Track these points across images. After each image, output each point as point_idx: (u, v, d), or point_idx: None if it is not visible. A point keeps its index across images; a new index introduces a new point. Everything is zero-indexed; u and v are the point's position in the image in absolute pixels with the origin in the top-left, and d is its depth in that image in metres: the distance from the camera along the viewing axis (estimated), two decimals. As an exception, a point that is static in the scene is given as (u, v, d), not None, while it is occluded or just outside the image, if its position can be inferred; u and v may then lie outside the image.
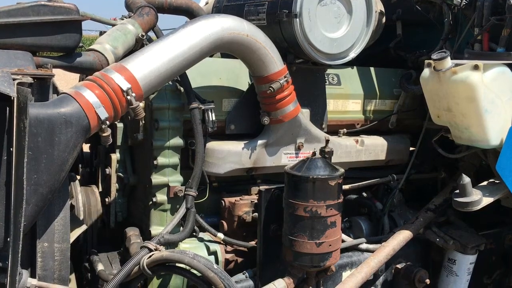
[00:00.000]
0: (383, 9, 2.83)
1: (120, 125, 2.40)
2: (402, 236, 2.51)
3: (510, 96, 2.33)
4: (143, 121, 2.23)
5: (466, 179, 2.33)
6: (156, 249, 1.97)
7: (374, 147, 2.78)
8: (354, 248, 2.58)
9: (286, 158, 2.49)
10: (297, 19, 2.26)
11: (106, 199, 2.41)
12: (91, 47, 2.11)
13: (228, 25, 2.08)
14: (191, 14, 2.64)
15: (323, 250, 2.08)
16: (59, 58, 1.99)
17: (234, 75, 2.46)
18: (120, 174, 2.41)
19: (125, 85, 1.80)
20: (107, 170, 2.40)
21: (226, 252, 2.39)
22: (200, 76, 2.35)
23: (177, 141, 2.24)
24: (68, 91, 1.74)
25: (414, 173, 2.87)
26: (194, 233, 2.40)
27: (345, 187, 2.71)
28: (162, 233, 2.07)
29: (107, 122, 1.77)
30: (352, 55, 2.49)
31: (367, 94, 2.82)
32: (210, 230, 2.34)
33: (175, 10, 2.62)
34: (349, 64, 2.75)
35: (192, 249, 2.32)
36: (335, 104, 2.73)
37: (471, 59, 2.44)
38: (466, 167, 2.76)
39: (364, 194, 2.87)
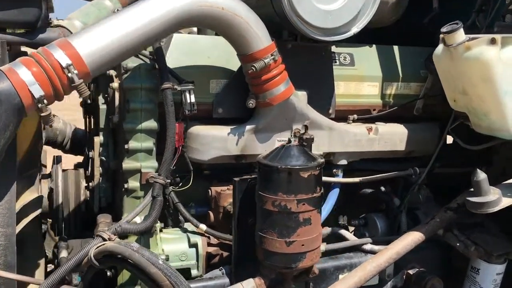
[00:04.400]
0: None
1: (103, 107, 2.29)
2: (410, 238, 2.18)
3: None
4: (118, 102, 2.11)
5: (481, 175, 1.96)
6: (109, 239, 1.83)
7: (391, 136, 2.45)
8: (357, 249, 2.30)
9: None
10: (284, -11, 2.02)
11: (90, 184, 2.32)
12: (58, 22, 2.02)
13: (198, -3, 1.87)
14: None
15: (295, 250, 1.83)
16: (20, 34, 1.91)
17: (225, 53, 2.24)
18: (103, 158, 2.31)
19: (65, 62, 1.67)
20: (91, 154, 2.31)
21: (210, 245, 2.22)
22: (185, 54, 2.18)
23: (151, 124, 2.07)
24: (2, 67, 1.64)
25: (439, 166, 2.50)
26: (180, 224, 2.27)
27: (355, 179, 2.45)
28: (121, 222, 1.93)
29: (45, 101, 1.65)
30: (355, 29, 2.20)
31: (387, 76, 2.49)
32: (192, 221, 2.18)
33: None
34: (368, 42, 2.46)
35: (172, 240, 2.18)
36: (347, 86, 2.44)
37: (502, 32, 2.05)
38: (500, 161, 2.36)
39: (382, 189, 2.56)
